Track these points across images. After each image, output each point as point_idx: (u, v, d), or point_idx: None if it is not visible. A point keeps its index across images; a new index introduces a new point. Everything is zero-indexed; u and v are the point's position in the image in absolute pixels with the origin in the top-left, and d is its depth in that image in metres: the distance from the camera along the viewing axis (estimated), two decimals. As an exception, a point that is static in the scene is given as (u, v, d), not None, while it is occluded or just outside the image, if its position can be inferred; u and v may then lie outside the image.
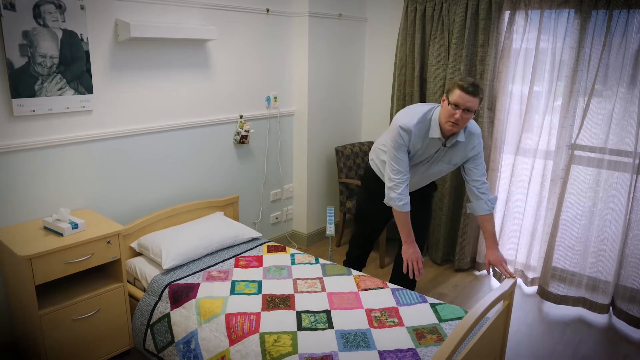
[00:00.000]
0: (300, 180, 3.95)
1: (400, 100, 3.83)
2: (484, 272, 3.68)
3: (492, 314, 2.11)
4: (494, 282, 3.55)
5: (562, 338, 2.87)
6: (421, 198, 2.76)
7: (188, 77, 3.02)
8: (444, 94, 2.32)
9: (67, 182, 2.56)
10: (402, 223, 2.49)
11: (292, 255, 2.83)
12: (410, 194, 2.61)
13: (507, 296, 2.11)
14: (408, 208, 2.45)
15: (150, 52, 2.79)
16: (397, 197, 2.43)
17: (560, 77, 3.16)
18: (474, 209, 2.54)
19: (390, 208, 2.55)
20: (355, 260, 3.03)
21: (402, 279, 2.88)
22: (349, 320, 2.17)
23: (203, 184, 3.28)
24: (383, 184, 2.58)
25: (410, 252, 2.52)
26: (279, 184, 3.88)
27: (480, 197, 2.50)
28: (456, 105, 2.22)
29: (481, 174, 2.50)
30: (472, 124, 2.46)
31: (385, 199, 2.50)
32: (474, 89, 2.20)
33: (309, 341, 2.00)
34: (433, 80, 3.60)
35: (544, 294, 3.26)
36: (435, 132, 2.36)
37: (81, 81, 2.50)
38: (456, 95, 2.22)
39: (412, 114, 2.41)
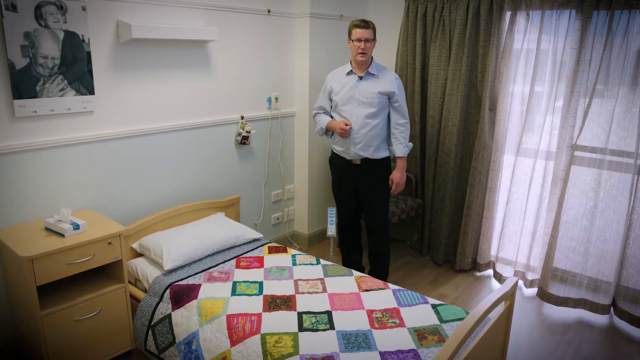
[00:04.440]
0: (301, 181, 3.95)
1: (401, 101, 3.83)
2: (485, 273, 3.69)
3: (494, 314, 2.10)
4: (495, 283, 3.55)
5: (564, 338, 2.87)
6: (371, 177, 3.05)
7: (189, 78, 3.03)
8: (348, 39, 2.94)
9: (68, 183, 2.57)
10: (331, 127, 3.03)
11: (293, 256, 2.83)
12: (357, 168, 3.05)
13: (509, 297, 2.11)
14: (323, 124, 3.06)
15: (151, 53, 2.79)
16: (318, 126, 3.11)
17: (561, 78, 3.16)
18: (394, 151, 3.01)
19: (352, 178, 3.07)
20: (344, 249, 3.25)
21: (374, 272, 3.28)
22: (350, 321, 2.17)
23: (204, 184, 3.28)
24: (340, 158, 3.09)
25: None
26: (280, 185, 3.89)
27: (400, 142, 2.99)
28: (359, 40, 2.85)
29: (401, 117, 2.99)
30: (387, 68, 3.04)
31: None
32: (365, 23, 2.85)
33: (310, 342, 2.00)
34: (434, 81, 3.60)
35: (544, 295, 3.26)
36: (347, 68, 3.00)
37: (82, 82, 2.50)
38: (356, 33, 2.86)
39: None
